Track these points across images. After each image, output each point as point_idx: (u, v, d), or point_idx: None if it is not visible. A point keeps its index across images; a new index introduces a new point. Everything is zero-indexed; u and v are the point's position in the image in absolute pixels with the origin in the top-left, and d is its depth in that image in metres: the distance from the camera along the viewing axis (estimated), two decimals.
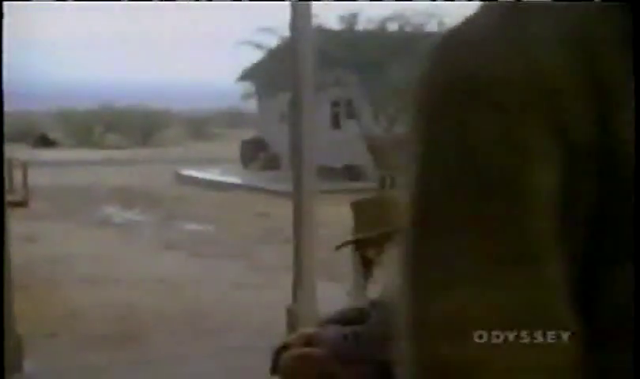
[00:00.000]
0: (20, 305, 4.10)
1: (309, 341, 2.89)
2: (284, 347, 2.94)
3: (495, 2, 0.58)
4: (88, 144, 41.02)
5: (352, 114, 19.72)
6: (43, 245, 10.03)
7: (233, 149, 26.66)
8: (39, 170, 17.36)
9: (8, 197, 4.86)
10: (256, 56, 21.63)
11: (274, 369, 2.96)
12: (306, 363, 2.79)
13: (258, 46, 20.54)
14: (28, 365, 3.98)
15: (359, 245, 2.87)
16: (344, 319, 3.00)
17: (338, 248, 2.95)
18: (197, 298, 7.05)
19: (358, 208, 2.89)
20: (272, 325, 4.84)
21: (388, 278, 2.73)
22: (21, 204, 11.26)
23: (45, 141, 39.44)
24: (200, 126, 50.21)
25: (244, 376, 3.27)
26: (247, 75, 23.62)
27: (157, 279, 7.94)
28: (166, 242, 10.71)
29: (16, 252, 3.88)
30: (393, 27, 19.34)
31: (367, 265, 2.89)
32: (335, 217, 11.01)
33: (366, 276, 2.92)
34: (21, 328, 4.02)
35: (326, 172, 17.70)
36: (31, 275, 7.45)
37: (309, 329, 3.01)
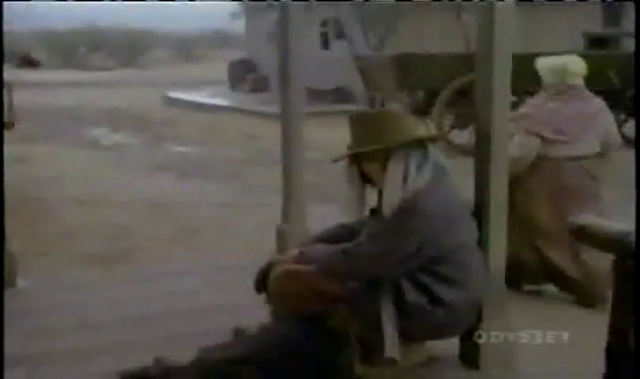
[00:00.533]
0: (10, 225, 4.12)
1: (296, 260, 2.94)
2: (271, 266, 3.00)
3: None
4: (72, 64, 40.51)
5: (341, 34, 19.50)
6: (31, 167, 10.02)
7: (221, 71, 26.41)
8: (24, 91, 17.18)
9: None
10: None
11: (259, 288, 3.03)
12: (295, 280, 2.83)
13: None
14: (21, 281, 4.05)
15: (355, 159, 2.86)
16: (331, 237, 3.04)
17: (335, 161, 2.95)
18: (188, 219, 7.10)
19: (355, 121, 2.87)
20: (263, 244, 4.91)
21: (384, 193, 2.76)
22: (8, 125, 11.18)
23: (29, 62, 38.88)
24: (187, 48, 49.53)
25: (235, 293, 3.34)
26: None
27: (147, 199, 7.98)
28: (155, 163, 10.71)
29: (5, 173, 3.88)
30: None
31: (363, 180, 2.91)
32: (324, 139, 11.03)
33: (362, 192, 2.93)
34: (13, 246, 4.07)
35: (315, 94, 17.63)
36: (21, 196, 7.48)
37: (295, 250, 3.06)
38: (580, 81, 4.42)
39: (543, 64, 4.50)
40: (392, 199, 2.68)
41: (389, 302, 2.68)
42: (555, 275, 4.25)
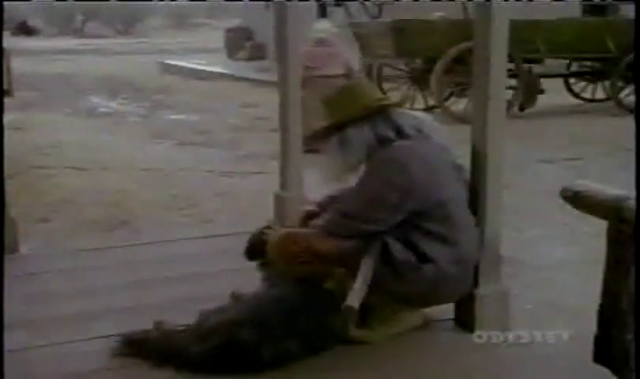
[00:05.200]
0: (11, 191, 4.15)
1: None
2: (261, 235, 3.06)
3: None
4: (69, 32, 40.27)
5: (338, 2, 19.37)
6: (30, 134, 10.03)
7: (218, 39, 26.29)
8: (21, 58, 17.13)
9: None
10: None
11: (250, 256, 3.12)
12: (295, 242, 2.87)
13: None
14: (23, 247, 4.08)
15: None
16: (324, 204, 3.11)
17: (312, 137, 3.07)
18: (186, 186, 7.13)
19: (325, 101, 2.98)
20: (261, 211, 4.96)
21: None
22: (6, 93, 11.15)
23: (26, 29, 38.59)
24: (184, 16, 49.12)
25: (233, 258, 3.37)
26: None
27: (145, 166, 8.01)
28: (153, 131, 10.72)
29: (5, 140, 3.90)
30: None
31: None
32: None
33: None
34: (14, 213, 4.09)
35: None
36: (20, 163, 7.50)
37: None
38: (326, 36, 7.80)
39: (313, 28, 7.98)
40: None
41: (371, 258, 2.73)
42: None
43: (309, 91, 7.02)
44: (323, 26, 7.99)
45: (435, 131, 2.92)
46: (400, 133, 2.82)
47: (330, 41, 7.88)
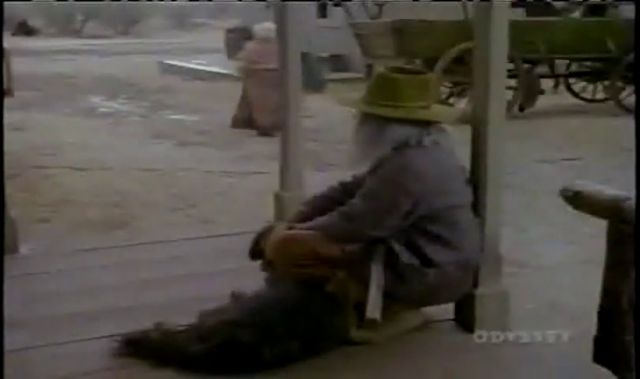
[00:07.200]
0: (10, 192, 4.15)
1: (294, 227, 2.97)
2: (264, 235, 3.04)
3: None
4: (69, 32, 40.26)
5: (338, 2, 19.35)
6: (30, 134, 10.02)
7: (218, 39, 26.28)
8: (21, 58, 17.10)
9: None
10: None
11: (253, 256, 3.08)
12: (295, 244, 2.85)
13: None
14: (23, 247, 4.07)
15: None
16: (329, 197, 3.07)
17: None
18: (186, 186, 7.13)
19: (382, 79, 2.88)
20: (260, 210, 4.95)
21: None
22: (6, 93, 11.14)
23: (26, 29, 38.57)
24: (184, 15, 49.10)
25: (233, 258, 3.37)
26: None
27: (145, 167, 8.01)
28: (153, 131, 10.72)
29: (5, 140, 3.90)
30: None
31: None
32: (320, 107, 11.00)
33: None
34: (14, 213, 4.09)
35: None
36: (20, 164, 7.50)
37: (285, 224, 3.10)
38: (269, 35, 8.85)
39: (257, 27, 9.97)
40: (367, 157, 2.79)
41: (379, 264, 2.71)
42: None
43: (252, 81, 10.19)
44: (267, 26, 9.38)
45: (447, 136, 2.89)
46: (419, 142, 2.76)
47: (273, 39, 9.46)
